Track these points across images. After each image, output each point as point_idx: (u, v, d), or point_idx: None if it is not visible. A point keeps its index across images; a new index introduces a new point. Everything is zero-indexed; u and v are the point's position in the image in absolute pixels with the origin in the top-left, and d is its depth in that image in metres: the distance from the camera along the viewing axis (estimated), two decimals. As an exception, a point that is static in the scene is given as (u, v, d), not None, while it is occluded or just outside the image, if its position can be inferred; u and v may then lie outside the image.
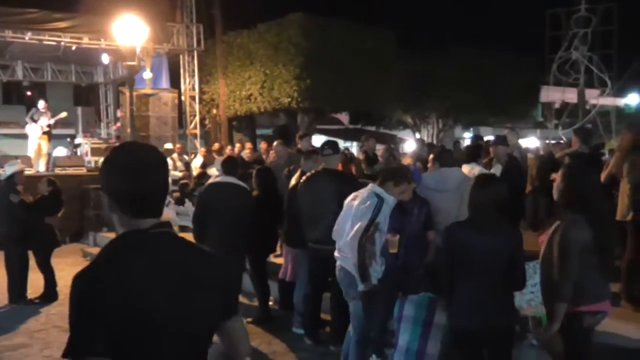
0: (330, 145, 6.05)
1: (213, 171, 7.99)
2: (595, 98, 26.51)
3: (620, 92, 28.75)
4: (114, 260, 1.71)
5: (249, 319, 6.68)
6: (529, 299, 5.02)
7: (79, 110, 19.41)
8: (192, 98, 17.43)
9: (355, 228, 4.47)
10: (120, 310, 1.61)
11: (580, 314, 3.69)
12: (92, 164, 14.67)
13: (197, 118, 17.42)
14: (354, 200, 4.71)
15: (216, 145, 13.84)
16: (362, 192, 4.70)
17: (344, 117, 26.46)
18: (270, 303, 7.11)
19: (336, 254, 4.89)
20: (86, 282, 1.65)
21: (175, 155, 13.36)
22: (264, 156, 11.10)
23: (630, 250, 5.89)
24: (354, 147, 23.98)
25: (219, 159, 8.22)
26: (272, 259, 7.63)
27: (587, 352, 3.85)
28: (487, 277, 3.69)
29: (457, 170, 6.34)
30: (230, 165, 6.42)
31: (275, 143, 8.70)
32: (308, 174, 6.15)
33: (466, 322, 3.79)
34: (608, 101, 27.75)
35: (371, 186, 4.73)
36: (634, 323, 5.47)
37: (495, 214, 3.67)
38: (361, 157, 9.64)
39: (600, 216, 3.70)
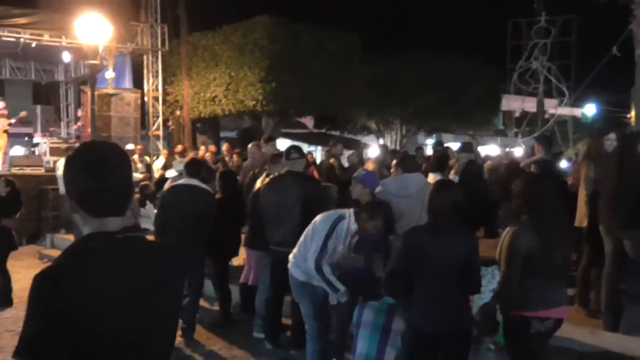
0: (297, 150, 6.11)
1: (171, 172, 7.79)
2: (554, 107, 27.13)
3: (577, 102, 29.55)
4: (78, 261, 1.68)
5: (210, 323, 6.62)
6: (485, 304, 5.04)
7: (38, 108, 18.94)
8: (156, 99, 17.22)
9: (311, 252, 4.58)
10: (80, 312, 1.59)
11: (527, 319, 3.73)
12: (51, 164, 14.34)
13: (160, 119, 17.23)
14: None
15: (179, 147, 13.63)
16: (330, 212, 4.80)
17: (308, 122, 26.47)
18: (232, 307, 7.04)
19: (290, 260, 4.94)
20: (48, 281, 1.63)
21: (135, 157, 13.14)
22: (226, 159, 11.03)
23: (586, 256, 6.07)
24: (318, 152, 23.99)
25: (177, 161, 8.13)
26: (234, 262, 7.58)
27: (537, 357, 3.89)
28: (443, 281, 3.73)
29: (418, 175, 6.43)
30: (194, 167, 6.37)
31: (250, 145, 8.56)
32: (272, 176, 6.16)
33: (424, 324, 3.83)
34: (566, 111, 28.44)
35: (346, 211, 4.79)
36: (586, 327, 5.59)
37: (452, 219, 3.74)
38: (332, 162, 9.65)
39: (553, 223, 3.70)
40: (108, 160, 1.77)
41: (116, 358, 1.66)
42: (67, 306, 1.58)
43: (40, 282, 1.63)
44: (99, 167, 1.74)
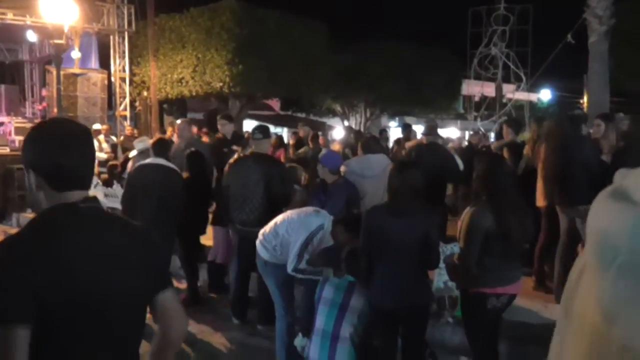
0: (261, 130, 6.04)
1: (133, 153, 7.72)
2: (512, 92, 27.53)
3: (533, 88, 30.02)
4: (41, 229, 1.67)
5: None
6: (445, 280, 5.24)
7: (2, 88, 18.28)
8: (122, 79, 16.86)
9: (290, 258, 4.55)
10: (44, 278, 1.56)
11: (484, 295, 3.79)
12: (17, 144, 13.95)
13: (127, 100, 16.91)
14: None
15: (128, 130, 13.93)
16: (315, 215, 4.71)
17: (275, 104, 26.28)
18: (199, 284, 7.02)
19: (259, 237, 4.91)
20: (11, 248, 1.61)
21: (101, 137, 12.88)
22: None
23: (543, 235, 6.18)
24: (284, 133, 23.92)
25: (138, 140, 8.02)
26: (202, 241, 7.51)
27: (493, 331, 3.97)
28: (403, 258, 3.77)
29: (381, 156, 6.49)
30: (161, 147, 6.28)
31: (179, 121, 8.40)
32: (236, 156, 6.15)
33: (383, 300, 3.88)
34: (523, 96, 28.92)
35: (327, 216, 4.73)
36: (540, 302, 5.75)
37: (410, 198, 3.76)
38: (291, 142, 9.63)
39: (510, 203, 3.75)
40: (76, 135, 1.77)
41: (79, 330, 1.64)
42: (30, 271, 1.55)
43: (2, 250, 1.60)
44: (69, 142, 1.73)
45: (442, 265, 4.50)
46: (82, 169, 1.78)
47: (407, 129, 10.92)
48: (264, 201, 5.68)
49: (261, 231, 4.91)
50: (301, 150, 8.71)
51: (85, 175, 1.79)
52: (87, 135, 1.82)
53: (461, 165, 7.58)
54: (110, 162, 11.14)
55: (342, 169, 5.93)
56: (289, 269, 4.54)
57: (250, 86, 15.80)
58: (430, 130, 7.91)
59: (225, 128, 8.14)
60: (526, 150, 6.78)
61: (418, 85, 21.51)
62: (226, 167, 6.23)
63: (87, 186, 1.80)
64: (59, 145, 1.72)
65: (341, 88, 20.56)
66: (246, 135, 10.53)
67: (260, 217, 5.56)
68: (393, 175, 3.85)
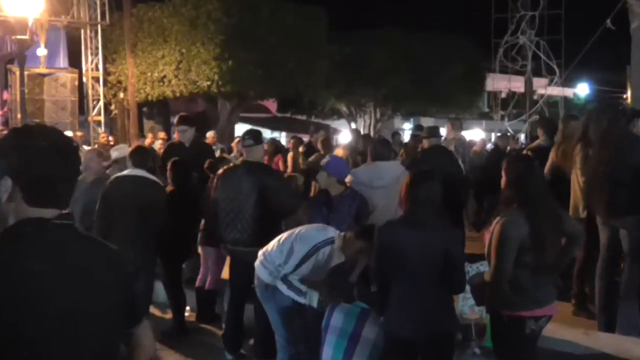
0: (252, 135, 6.03)
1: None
2: (543, 87, 27.44)
3: (569, 82, 29.95)
4: (6, 242, 1.77)
5: (162, 333, 6.46)
6: (472, 304, 5.16)
7: (-42, 91, 18.51)
8: (95, 79, 16.94)
9: (287, 263, 4.60)
10: (2, 293, 1.67)
11: (521, 319, 3.77)
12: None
13: (101, 103, 16.97)
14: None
15: (102, 138, 14.02)
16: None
17: (271, 105, 26.37)
18: (187, 314, 7.00)
19: (259, 257, 4.91)
20: None
21: (74, 146, 12.90)
22: None
23: (581, 252, 6.02)
24: (282, 138, 23.94)
25: (115, 147, 8.10)
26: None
27: (531, 358, 3.96)
28: (422, 279, 3.77)
29: (394, 164, 6.56)
30: (140, 156, 6.28)
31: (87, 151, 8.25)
32: (225, 166, 6.14)
33: (400, 328, 3.86)
34: (556, 91, 28.81)
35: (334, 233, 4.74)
36: (580, 328, 5.68)
37: (430, 211, 3.80)
38: (301, 149, 9.85)
39: (545, 211, 3.77)
40: (65, 149, 1.88)
41: (39, 349, 1.73)
42: None
43: None
44: (56, 154, 1.82)
45: (467, 287, 4.42)
46: (63, 187, 1.86)
47: (418, 130, 10.83)
48: (257, 217, 5.68)
49: (261, 251, 4.92)
50: (311, 158, 8.71)
51: (64, 194, 1.88)
52: (75, 151, 1.92)
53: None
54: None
55: (348, 178, 5.95)
56: (279, 273, 4.57)
57: (242, 84, 15.84)
58: (432, 132, 7.93)
59: (185, 135, 7.86)
60: (551, 154, 6.68)
61: (433, 79, 21.47)
62: (214, 179, 6.25)
63: (63, 206, 1.88)
64: (46, 156, 1.81)
65: (345, 84, 20.51)
66: (235, 141, 10.55)
67: (254, 235, 5.57)
68: (409, 185, 3.87)
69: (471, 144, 11.30)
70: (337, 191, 5.59)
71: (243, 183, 5.76)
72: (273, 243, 4.87)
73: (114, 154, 7.57)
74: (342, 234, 4.67)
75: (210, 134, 12.26)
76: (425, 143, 7.85)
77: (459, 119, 9.74)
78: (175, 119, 9.19)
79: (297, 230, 4.83)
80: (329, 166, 5.65)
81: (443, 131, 9.23)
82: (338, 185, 5.59)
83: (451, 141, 8.89)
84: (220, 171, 6.11)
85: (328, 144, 9.69)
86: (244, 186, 5.75)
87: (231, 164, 6.15)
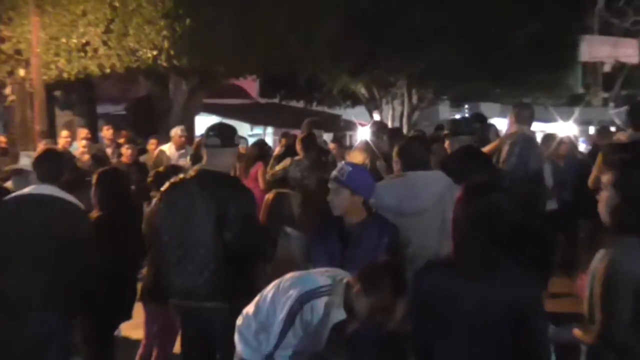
0: (219, 131, 5.00)
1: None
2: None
3: None
4: None
5: None
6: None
7: None
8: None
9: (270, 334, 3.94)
10: None
11: None
12: None
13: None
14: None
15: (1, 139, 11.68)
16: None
17: (251, 86, 21.50)
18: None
19: (238, 323, 4.14)
20: None
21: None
22: (108, 150, 9.78)
23: None
24: (268, 136, 21.00)
25: (25, 153, 7.02)
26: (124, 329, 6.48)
27: None
28: (482, 347, 3.32)
29: (436, 175, 5.44)
30: (49, 164, 5.22)
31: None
32: (172, 180, 5.14)
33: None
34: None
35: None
36: None
37: (491, 246, 3.30)
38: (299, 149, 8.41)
39: None
40: None
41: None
42: None
43: None
44: None
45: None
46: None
47: (477, 121, 8.67)
48: (217, 253, 4.76)
49: (241, 315, 4.20)
50: (280, 165, 8.02)
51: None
52: None
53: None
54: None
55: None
56: (263, 351, 3.97)
57: (207, 55, 12.55)
58: (456, 128, 6.68)
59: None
60: None
61: (498, 47, 16.41)
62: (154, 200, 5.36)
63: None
64: None
65: (364, 54, 15.55)
66: (196, 141, 9.12)
67: (212, 282, 4.71)
68: (459, 208, 3.34)
69: (549, 143, 9.23)
70: (359, 217, 4.61)
71: (196, 203, 4.82)
72: (255, 299, 4.19)
73: (24, 160, 6.50)
74: (345, 279, 3.91)
75: (175, 132, 10.58)
76: (447, 145, 6.62)
77: (529, 106, 7.67)
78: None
79: (281, 280, 4.12)
80: (351, 179, 4.59)
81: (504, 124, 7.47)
82: (362, 209, 4.63)
83: (509, 137, 7.01)
84: (164, 187, 5.09)
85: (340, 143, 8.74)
86: (198, 207, 4.81)
87: (180, 176, 5.15)
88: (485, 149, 7.05)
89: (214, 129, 5.05)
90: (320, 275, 4.03)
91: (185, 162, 8.56)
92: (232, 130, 5.12)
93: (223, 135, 4.95)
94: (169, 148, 10.31)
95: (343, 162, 5.74)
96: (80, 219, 5.10)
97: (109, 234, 5.19)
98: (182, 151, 9.85)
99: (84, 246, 4.90)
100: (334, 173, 4.76)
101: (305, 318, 3.87)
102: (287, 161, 8.40)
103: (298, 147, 8.55)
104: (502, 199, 3.31)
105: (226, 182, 5.03)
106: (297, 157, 8.40)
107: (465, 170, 5.76)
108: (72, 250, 4.82)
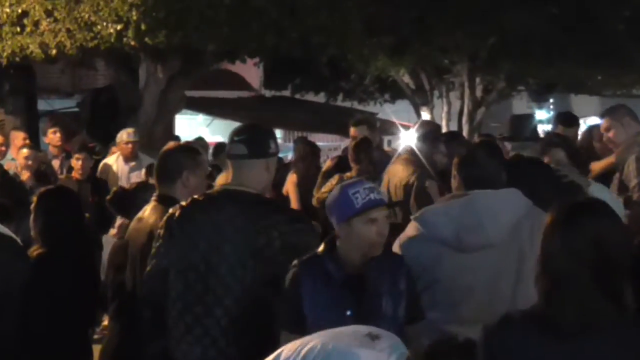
0: (247, 136, 4.11)
1: None
2: None
3: None
4: None
5: None
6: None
7: None
8: None
9: None
10: None
11: None
12: None
13: None
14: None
15: None
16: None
17: (251, 73, 17.50)
18: None
19: None
20: None
21: None
22: (54, 162, 8.31)
23: None
24: (278, 140, 18.41)
25: None
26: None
27: None
28: None
29: (509, 194, 4.34)
30: None
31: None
32: (187, 200, 4.28)
33: None
34: None
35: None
36: None
37: (600, 292, 2.61)
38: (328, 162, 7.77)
39: None
40: None
41: None
42: None
43: None
44: None
45: None
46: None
47: (565, 120, 7.37)
48: (251, 309, 3.86)
49: None
50: (327, 185, 6.82)
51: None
52: None
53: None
54: None
55: (410, 227, 4.20)
56: None
57: (188, 31, 9.64)
58: (517, 129, 6.15)
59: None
60: None
61: (594, 22, 12.64)
62: (159, 229, 4.17)
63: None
64: None
65: (408, 28, 12.54)
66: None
67: (239, 353, 3.77)
68: (549, 240, 2.62)
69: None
70: (376, 252, 3.78)
71: (224, 236, 3.93)
72: None
73: None
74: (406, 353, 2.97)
75: (121, 137, 8.54)
76: (507, 150, 5.78)
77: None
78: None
79: (316, 341, 3.06)
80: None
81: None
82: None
83: (629, 147, 5.47)
84: (173, 210, 4.13)
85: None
86: (227, 243, 3.91)
87: (196, 196, 4.22)
88: (595, 166, 5.81)
89: (240, 133, 4.16)
90: (371, 349, 2.98)
91: (139, 177, 7.21)
92: (266, 134, 4.19)
93: (251, 141, 4.03)
94: (116, 160, 8.39)
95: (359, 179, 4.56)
96: (17, 257, 4.24)
97: (53, 276, 4.30)
98: (133, 163, 8.05)
99: (17, 294, 4.02)
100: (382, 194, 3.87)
101: None
102: (335, 179, 7.24)
103: (350, 158, 7.44)
104: (615, 224, 2.65)
105: (268, 207, 4.09)
106: (348, 173, 7.33)
107: (520, 183, 4.58)
108: (8, 297, 3.98)
